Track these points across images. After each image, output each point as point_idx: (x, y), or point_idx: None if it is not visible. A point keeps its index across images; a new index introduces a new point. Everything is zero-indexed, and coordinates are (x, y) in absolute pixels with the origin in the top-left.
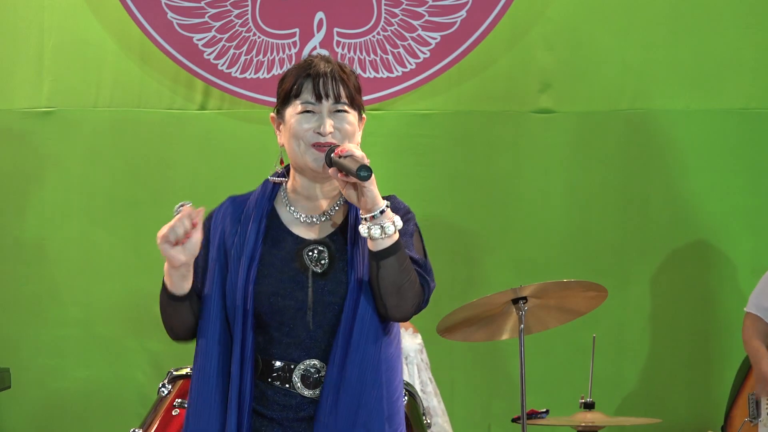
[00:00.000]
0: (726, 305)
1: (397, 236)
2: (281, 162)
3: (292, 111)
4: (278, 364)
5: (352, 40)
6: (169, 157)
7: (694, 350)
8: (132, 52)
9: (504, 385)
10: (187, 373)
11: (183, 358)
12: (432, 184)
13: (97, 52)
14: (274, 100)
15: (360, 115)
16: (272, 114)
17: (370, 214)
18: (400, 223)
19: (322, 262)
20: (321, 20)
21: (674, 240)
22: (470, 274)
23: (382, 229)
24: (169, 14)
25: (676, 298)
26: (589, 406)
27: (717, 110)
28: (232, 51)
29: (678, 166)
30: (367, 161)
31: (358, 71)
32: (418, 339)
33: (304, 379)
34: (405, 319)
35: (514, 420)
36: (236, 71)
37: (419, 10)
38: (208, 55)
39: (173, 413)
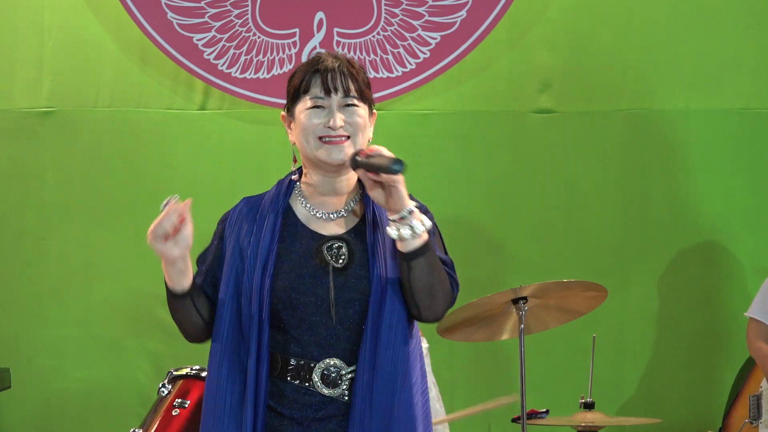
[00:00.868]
0: (726, 306)
1: (426, 236)
2: (294, 160)
3: (302, 107)
4: (297, 362)
5: (352, 40)
6: (169, 157)
7: (695, 350)
8: (132, 52)
9: (504, 385)
10: (186, 373)
11: (183, 358)
12: (432, 185)
13: (96, 52)
14: (275, 100)
15: (370, 109)
16: (283, 113)
17: (399, 215)
18: (429, 223)
19: (342, 257)
20: (321, 20)
21: (674, 240)
22: (470, 274)
23: (411, 230)
24: (169, 14)
25: (676, 298)
26: (589, 406)
27: (717, 110)
28: (232, 51)
29: (678, 167)
30: (388, 158)
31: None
32: (425, 344)
33: (323, 377)
34: (437, 320)
35: (514, 420)
36: (236, 71)
37: (419, 10)
38: (208, 55)
39: (173, 413)
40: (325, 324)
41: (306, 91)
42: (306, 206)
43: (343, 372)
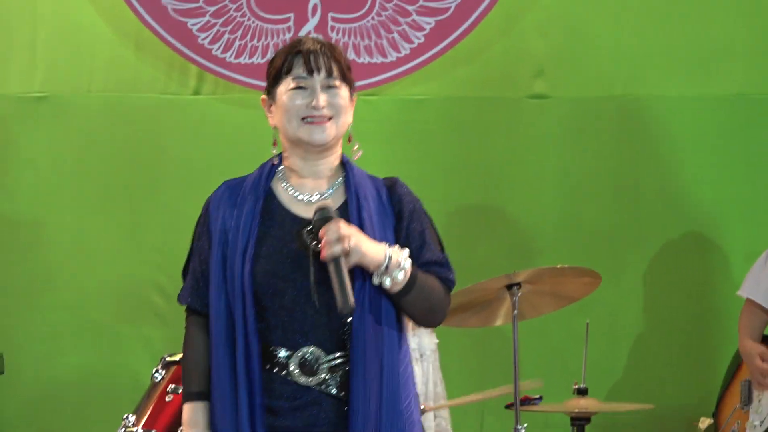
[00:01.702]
0: (719, 292)
1: (409, 274)
2: (274, 144)
3: (284, 88)
4: (281, 351)
5: (347, 25)
6: (163, 141)
7: (688, 337)
8: (126, 37)
9: (498, 371)
10: (180, 359)
11: (177, 344)
12: (426, 170)
13: (90, 37)
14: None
15: (352, 93)
16: (263, 96)
17: (378, 270)
18: (408, 262)
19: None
20: (315, 5)
21: (667, 226)
22: (464, 260)
23: (392, 279)
24: (184, 12)
25: (669, 284)
26: (582, 392)
27: (710, 96)
28: (226, 36)
29: (671, 152)
30: (350, 295)
31: (353, 56)
32: (435, 339)
33: (301, 365)
34: (439, 323)
35: (507, 407)
36: (231, 56)
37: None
38: (203, 40)
39: (167, 399)
40: (305, 311)
41: (288, 72)
42: (287, 189)
43: (321, 360)
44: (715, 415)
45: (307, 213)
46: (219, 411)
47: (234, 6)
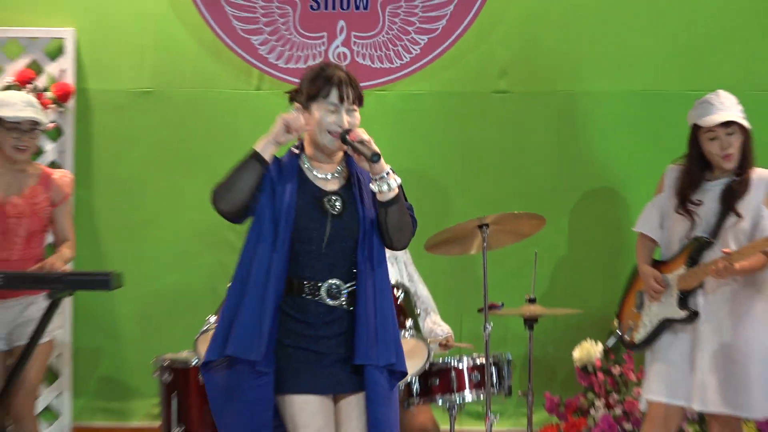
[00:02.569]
0: (626, 230)
1: (398, 190)
2: (298, 139)
3: (319, 107)
4: (309, 283)
5: (365, 41)
6: (234, 122)
7: (605, 261)
8: (207, 48)
9: (472, 286)
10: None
11: None
12: (420, 144)
13: (182, 47)
14: None
15: (360, 106)
16: (297, 104)
17: (379, 176)
18: (399, 180)
19: (337, 207)
20: (342, 27)
21: (592, 185)
22: (448, 208)
23: (388, 186)
24: (234, 22)
25: (592, 225)
26: (532, 301)
27: (627, 91)
28: (278, 48)
29: (598, 133)
30: (374, 146)
31: (368, 63)
32: (402, 254)
33: (328, 292)
34: (403, 248)
35: (479, 311)
36: (281, 62)
37: (412, 19)
38: (262, 51)
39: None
40: (326, 254)
41: (325, 98)
42: (311, 170)
43: (342, 288)
44: (618, 315)
45: (324, 185)
46: (240, 324)
47: (283, 27)
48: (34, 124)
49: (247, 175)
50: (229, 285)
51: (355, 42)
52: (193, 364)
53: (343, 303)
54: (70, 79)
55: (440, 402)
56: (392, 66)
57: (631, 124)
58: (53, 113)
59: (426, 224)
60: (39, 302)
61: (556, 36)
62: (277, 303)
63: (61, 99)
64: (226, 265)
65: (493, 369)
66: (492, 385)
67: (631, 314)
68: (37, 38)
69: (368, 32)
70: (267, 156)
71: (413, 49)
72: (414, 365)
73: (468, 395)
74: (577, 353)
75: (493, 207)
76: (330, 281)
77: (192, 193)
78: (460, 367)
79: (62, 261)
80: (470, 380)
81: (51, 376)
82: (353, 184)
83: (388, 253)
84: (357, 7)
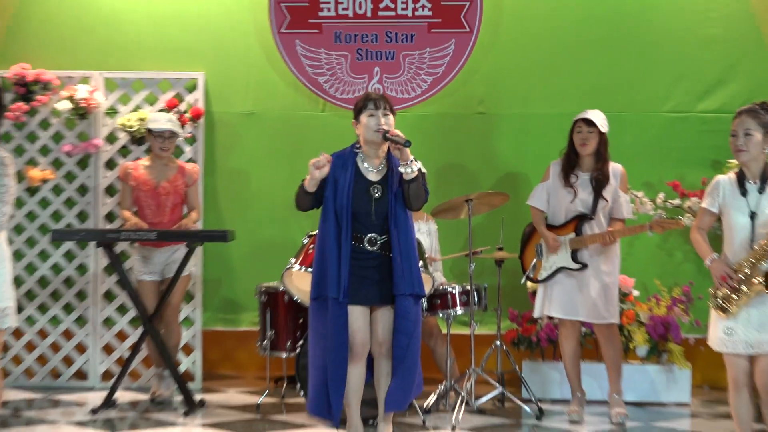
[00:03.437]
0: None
1: (417, 172)
2: (357, 141)
3: (364, 115)
4: (361, 236)
5: (391, 80)
6: (307, 133)
7: (519, 223)
8: (289, 84)
9: (462, 239)
10: (314, 236)
11: (315, 227)
12: (429, 145)
13: (273, 84)
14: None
15: (393, 116)
16: (353, 120)
17: (406, 162)
18: (419, 165)
19: (378, 193)
20: (377, 71)
21: (518, 180)
22: (447, 189)
23: (411, 169)
24: (307, 68)
25: (520, 202)
26: (500, 249)
27: (561, 113)
28: (336, 85)
29: (542, 141)
30: (403, 137)
31: (394, 94)
32: (435, 225)
33: (369, 241)
34: (418, 209)
35: (466, 255)
36: (338, 94)
37: (422, 65)
38: (325, 86)
39: (309, 251)
40: (371, 220)
41: (365, 108)
42: (362, 162)
43: (378, 239)
44: (521, 258)
45: (370, 176)
46: (329, 271)
47: (339, 71)
48: (171, 134)
49: (305, 199)
50: (304, 240)
51: (385, 80)
52: (280, 290)
53: (380, 249)
54: (200, 105)
55: (441, 314)
56: (409, 96)
57: (538, 131)
58: (190, 127)
59: (432, 198)
60: (181, 249)
61: (515, 76)
62: (350, 256)
63: (195, 118)
64: (302, 226)
65: (475, 294)
66: (474, 304)
67: (532, 260)
68: (180, 78)
69: (394, 74)
70: (311, 189)
71: (423, 85)
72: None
73: (459, 310)
74: (528, 284)
75: (474, 187)
76: (370, 234)
77: (282, 178)
78: (454, 292)
79: (192, 222)
80: (460, 300)
81: (188, 297)
82: (390, 176)
83: (425, 227)
84: (387, 59)
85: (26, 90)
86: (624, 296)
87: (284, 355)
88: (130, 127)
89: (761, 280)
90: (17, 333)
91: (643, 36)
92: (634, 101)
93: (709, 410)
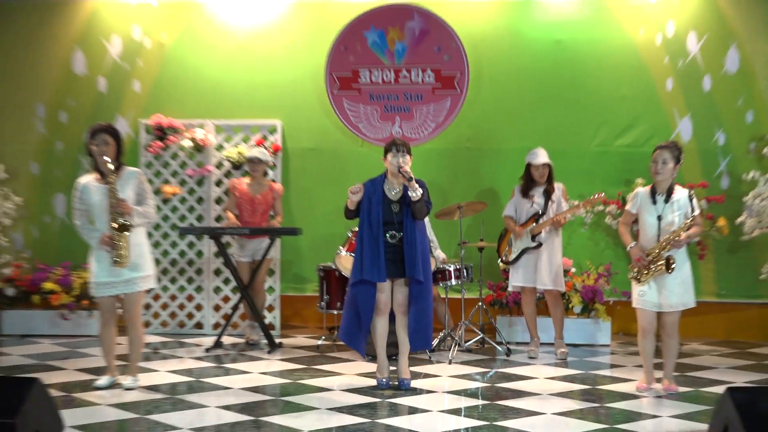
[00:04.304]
0: (500, 211)
1: (420, 196)
2: (386, 171)
3: (390, 155)
4: (387, 234)
5: (407, 125)
6: (349, 163)
7: (487, 226)
8: (338, 128)
9: (455, 233)
10: (355, 231)
11: (356, 225)
12: (432, 169)
13: (326, 128)
14: (382, 145)
15: (410, 157)
16: (383, 157)
17: (413, 189)
18: (421, 191)
19: (396, 210)
20: (398, 120)
21: (493, 192)
22: (445, 199)
23: (416, 194)
24: (350, 117)
25: (497, 210)
26: (481, 240)
27: (514, 148)
28: (369, 128)
29: (511, 169)
30: (410, 174)
31: (410, 135)
32: (432, 234)
33: (391, 237)
34: (422, 219)
35: (458, 244)
36: (371, 135)
37: (429, 116)
38: (362, 129)
39: (351, 242)
40: (394, 223)
41: (390, 150)
42: (387, 187)
43: (397, 235)
44: (498, 250)
45: (392, 196)
46: (368, 259)
47: (372, 119)
48: (259, 161)
49: (349, 213)
50: (348, 234)
51: (403, 126)
52: (332, 268)
53: (396, 241)
54: (279, 143)
55: (441, 284)
56: (419, 137)
57: (522, 161)
58: (273, 157)
59: (433, 203)
60: (266, 240)
61: (492, 122)
62: (384, 247)
63: (276, 151)
64: (347, 224)
65: (464, 270)
66: (464, 277)
67: (505, 248)
68: (265, 124)
69: (409, 121)
70: (352, 207)
71: (428, 129)
72: None
73: (453, 282)
74: (501, 264)
75: (464, 198)
76: (391, 232)
77: (333, 194)
78: (450, 269)
79: (277, 223)
80: (454, 275)
81: (271, 272)
82: (404, 196)
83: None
84: (404, 111)
85: (162, 133)
86: (565, 272)
87: (335, 312)
88: (232, 157)
89: (663, 263)
90: (156, 296)
91: (578, 94)
92: (572, 139)
93: (624, 349)
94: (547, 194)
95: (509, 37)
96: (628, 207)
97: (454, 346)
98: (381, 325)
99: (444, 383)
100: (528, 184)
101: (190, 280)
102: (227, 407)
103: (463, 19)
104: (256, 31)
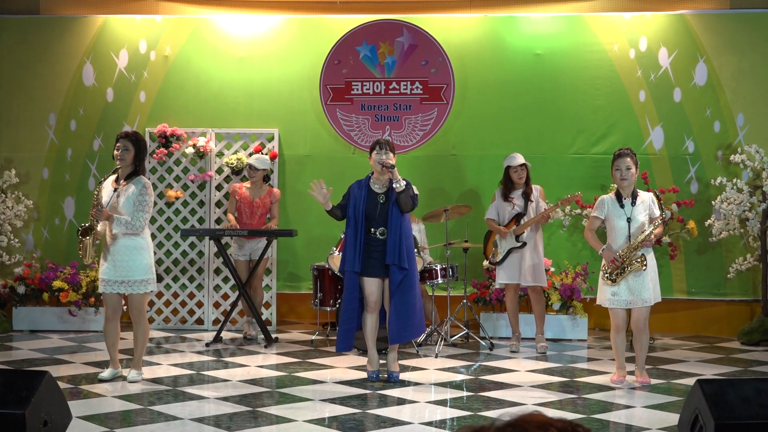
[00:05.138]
0: (483, 213)
1: (404, 187)
2: (372, 172)
3: (374, 153)
4: (372, 229)
5: (397, 134)
6: (343, 169)
7: (483, 229)
8: (332, 137)
9: (441, 235)
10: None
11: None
12: (418, 173)
13: (320, 137)
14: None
15: (394, 155)
16: (368, 156)
17: (396, 180)
18: (404, 183)
19: (382, 201)
20: (388, 129)
21: (477, 196)
22: (432, 202)
23: (400, 185)
24: (343, 126)
25: (480, 213)
26: (466, 241)
27: (496, 155)
28: (361, 136)
29: (490, 173)
30: (392, 162)
31: (399, 141)
32: (422, 225)
33: (379, 233)
34: (408, 212)
35: (444, 245)
36: (362, 142)
37: (417, 125)
38: (354, 137)
39: (341, 236)
40: (378, 219)
41: (374, 149)
42: (373, 184)
43: (383, 230)
44: (485, 252)
45: (377, 190)
46: (348, 253)
47: (364, 128)
48: (254, 168)
49: (331, 215)
50: (341, 235)
51: (392, 135)
52: (326, 267)
53: (383, 236)
54: (276, 150)
55: (428, 283)
56: (408, 144)
57: (502, 167)
58: (271, 164)
59: (421, 206)
60: (263, 241)
61: (476, 131)
62: (364, 241)
63: (273, 158)
64: (339, 226)
65: (449, 269)
66: (449, 276)
67: (491, 250)
68: (263, 132)
69: (399, 130)
70: (329, 209)
71: (416, 137)
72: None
73: (439, 280)
74: (485, 263)
75: (449, 201)
76: (379, 227)
77: (329, 199)
78: (436, 268)
79: (274, 225)
80: (440, 274)
81: (267, 271)
82: (389, 191)
83: (416, 227)
84: (394, 120)
85: (166, 140)
86: (545, 271)
87: (328, 308)
88: (231, 163)
89: (639, 261)
90: (159, 294)
91: (557, 104)
92: (550, 146)
93: (599, 344)
94: (526, 196)
95: (492, 51)
96: (595, 213)
97: (440, 341)
98: (371, 321)
99: (431, 376)
100: (508, 187)
101: (191, 279)
102: (226, 398)
103: (449, 34)
104: (254, 44)
